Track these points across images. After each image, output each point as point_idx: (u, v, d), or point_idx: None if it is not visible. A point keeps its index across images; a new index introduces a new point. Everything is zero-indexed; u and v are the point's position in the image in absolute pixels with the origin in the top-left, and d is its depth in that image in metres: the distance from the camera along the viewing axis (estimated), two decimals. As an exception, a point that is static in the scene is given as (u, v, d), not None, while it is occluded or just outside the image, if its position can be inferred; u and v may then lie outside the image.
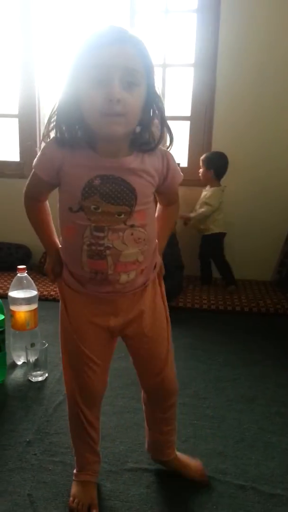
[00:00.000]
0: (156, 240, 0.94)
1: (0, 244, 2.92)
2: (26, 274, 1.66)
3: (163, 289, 0.98)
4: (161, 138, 0.84)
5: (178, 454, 1.09)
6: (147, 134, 0.83)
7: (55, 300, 2.37)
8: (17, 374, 1.57)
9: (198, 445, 1.20)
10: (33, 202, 0.94)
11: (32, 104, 2.93)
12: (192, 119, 2.77)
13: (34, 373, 1.52)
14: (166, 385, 1.00)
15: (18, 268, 1.65)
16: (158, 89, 0.82)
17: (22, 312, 1.63)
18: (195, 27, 2.65)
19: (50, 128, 0.83)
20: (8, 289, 1.69)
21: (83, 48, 0.76)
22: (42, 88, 2.98)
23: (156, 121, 0.83)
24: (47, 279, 0.87)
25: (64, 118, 0.80)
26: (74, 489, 1.01)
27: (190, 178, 2.78)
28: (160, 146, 0.86)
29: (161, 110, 0.83)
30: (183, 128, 2.79)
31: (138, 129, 0.83)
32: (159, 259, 0.97)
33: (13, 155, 3.04)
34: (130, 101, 0.75)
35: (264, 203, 2.70)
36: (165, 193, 0.94)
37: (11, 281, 1.68)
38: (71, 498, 0.99)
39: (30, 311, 1.64)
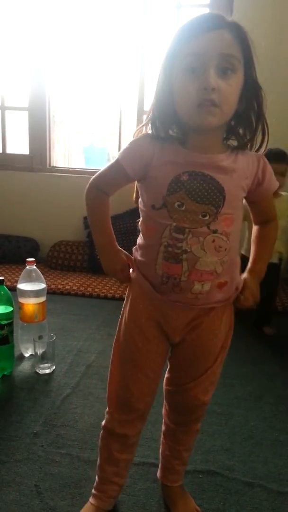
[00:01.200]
0: (238, 258, 0.85)
1: (9, 237, 2.93)
2: (35, 267, 1.66)
3: (232, 309, 0.89)
4: (255, 133, 0.78)
5: (179, 488, 1.00)
6: (241, 128, 0.78)
7: (62, 293, 2.38)
8: (25, 366, 1.58)
9: (205, 442, 1.20)
10: (100, 194, 0.86)
11: (42, 97, 2.92)
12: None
13: (42, 366, 1.52)
14: (190, 406, 0.91)
15: (27, 260, 1.65)
16: (258, 78, 0.75)
17: (30, 304, 1.63)
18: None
19: (145, 123, 0.79)
20: (16, 281, 1.69)
21: (178, 37, 0.72)
22: (52, 82, 2.98)
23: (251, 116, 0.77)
24: (114, 280, 0.82)
25: (160, 113, 0.76)
26: (84, 510, 0.94)
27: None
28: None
29: (259, 102, 0.77)
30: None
31: (232, 122, 0.78)
32: (240, 281, 0.87)
33: (22, 148, 3.04)
34: (226, 90, 0.70)
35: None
36: (259, 203, 0.86)
37: (19, 273, 1.68)
38: None
39: (39, 303, 1.64)
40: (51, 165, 3.06)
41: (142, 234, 0.84)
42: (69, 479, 1.05)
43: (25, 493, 0.99)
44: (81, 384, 1.45)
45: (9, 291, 1.50)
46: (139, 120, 2.84)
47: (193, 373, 0.88)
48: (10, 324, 1.48)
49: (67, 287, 2.45)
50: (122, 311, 0.89)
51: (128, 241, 2.76)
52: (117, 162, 0.82)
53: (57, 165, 3.12)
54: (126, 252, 0.90)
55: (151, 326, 0.84)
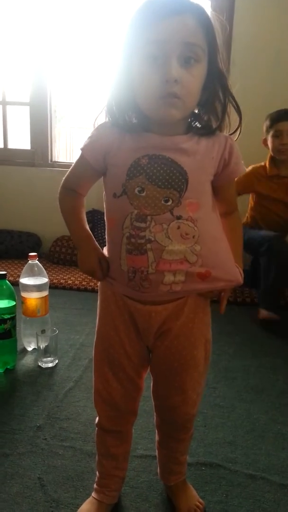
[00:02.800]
0: (226, 246, 0.81)
1: (11, 232, 2.93)
2: (37, 261, 1.66)
3: (209, 314, 0.85)
4: (222, 121, 0.75)
5: (181, 482, 0.99)
6: (206, 116, 0.74)
7: (65, 288, 2.38)
8: (28, 360, 1.58)
9: (208, 434, 1.20)
10: (71, 194, 0.85)
11: (43, 92, 2.91)
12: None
13: (45, 359, 1.52)
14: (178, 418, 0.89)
15: (29, 255, 1.65)
16: (223, 64, 0.71)
17: (33, 299, 1.63)
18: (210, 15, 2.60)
19: (101, 111, 0.76)
20: (19, 276, 1.69)
21: (137, 22, 0.68)
22: (53, 77, 2.96)
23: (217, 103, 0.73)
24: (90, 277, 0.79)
25: (116, 101, 0.73)
26: (85, 505, 0.93)
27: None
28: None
29: (225, 90, 0.73)
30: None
31: (196, 110, 0.75)
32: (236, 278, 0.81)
33: (24, 143, 3.04)
34: (189, 81, 0.67)
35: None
36: (224, 188, 0.80)
37: (22, 268, 1.68)
38: None
39: (41, 298, 1.64)
40: (53, 160, 3.05)
41: (106, 229, 0.81)
42: (72, 471, 1.05)
43: (28, 485, 1.00)
44: (83, 378, 1.46)
45: (11, 286, 1.50)
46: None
47: (175, 385, 0.84)
48: (13, 318, 1.48)
49: (69, 281, 2.45)
50: (97, 313, 0.88)
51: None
52: (81, 156, 0.80)
53: (58, 160, 3.11)
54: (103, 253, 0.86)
55: (125, 326, 0.82)
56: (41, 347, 1.52)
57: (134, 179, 0.73)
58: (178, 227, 0.73)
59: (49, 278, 1.74)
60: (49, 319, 1.71)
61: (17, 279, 1.71)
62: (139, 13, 0.68)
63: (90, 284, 2.43)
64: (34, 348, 1.63)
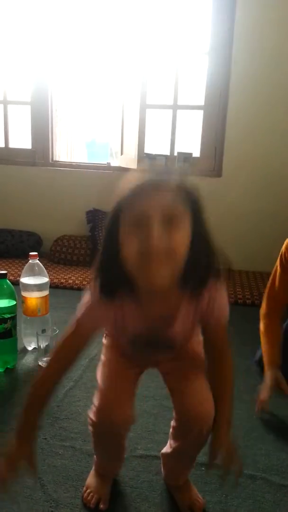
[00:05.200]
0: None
1: (12, 231, 2.93)
2: (37, 261, 1.66)
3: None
4: (205, 280, 0.78)
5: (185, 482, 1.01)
6: (194, 271, 0.76)
7: (65, 287, 2.38)
8: (28, 360, 1.58)
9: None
10: (54, 382, 0.89)
11: (44, 91, 2.92)
12: (206, 108, 2.74)
13: (45, 359, 1.52)
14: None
15: (30, 254, 1.65)
16: (207, 223, 0.75)
17: (33, 298, 1.63)
18: (211, 12, 2.60)
19: (95, 281, 0.80)
20: (19, 275, 1.69)
21: (122, 200, 0.73)
22: (54, 76, 2.96)
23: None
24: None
25: (107, 270, 0.77)
26: (89, 479, 1.00)
27: (202, 169, 2.76)
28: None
29: (209, 258, 0.76)
30: (196, 117, 2.76)
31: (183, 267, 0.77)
32: None
33: (25, 142, 3.04)
34: (172, 240, 0.70)
35: (274, 194, 2.67)
36: (211, 333, 0.88)
37: (22, 268, 1.68)
38: (84, 488, 0.99)
39: (41, 297, 1.64)
40: (54, 159, 3.05)
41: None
42: (72, 471, 1.05)
43: (28, 485, 1.00)
44: (84, 377, 1.46)
45: (12, 285, 1.50)
46: (142, 114, 2.83)
47: (196, 385, 0.89)
48: (13, 318, 1.49)
49: (70, 281, 2.45)
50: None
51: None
52: (74, 328, 0.83)
53: (59, 160, 3.12)
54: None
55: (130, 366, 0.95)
56: (42, 346, 1.52)
57: (134, 346, 0.89)
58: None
59: (50, 278, 1.74)
60: (50, 319, 1.71)
61: (17, 279, 1.71)
62: (125, 193, 0.72)
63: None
64: (35, 348, 1.63)
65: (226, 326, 0.87)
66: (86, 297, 0.82)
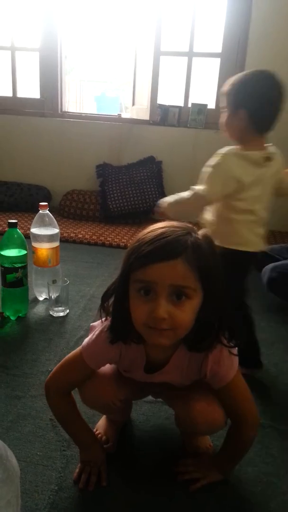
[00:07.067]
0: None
1: (21, 185, 2.89)
2: (48, 212, 1.63)
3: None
4: (212, 344, 0.76)
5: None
6: (199, 335, 0.75)
7: (75, 242, 2.37)
8: (39, 309, 1.59)
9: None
10: (64, 397, 0.88)
11: (54, 37, 2.78)
12: (223, 55, 2.60)
13: (56, 309, 1.53)
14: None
15: (40, 204, 1.62)
16: (219, 284, 0.72)
17: (44, 249, 1.62)
18: None
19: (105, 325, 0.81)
20: (29, 229, 1.67)
21: (131, 258, 0.70)
22: (64, 22, 2.82)
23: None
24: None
25: (117, 319, 0.77)
26: (100, 422, 1.03)
27: (218, 122, 2.65)
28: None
29: (221, 319, 0.74)
30: (213, 65, 2.63)
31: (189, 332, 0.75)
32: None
33: (33, 91, 2.93)
34: (179, 317, 0.68)
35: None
36: (220, 392, 0.83)
37: (32, 221, 1.65)
38: (94, 429, 1.00)
39: (52, 248, 1.63)
40: (63, 110, 2.96)
41: None
42: (84, 414, 1.06)
43: (41, 426, 1.03)
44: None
45: (22, 235, 1.49)
46: (155, 62, 2.70)
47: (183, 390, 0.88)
48: (24, 267, 1.48)
49: (80, 235, 2.44)
50: None
51: (141, 191, 2.71)
52: (80, 361, 0.84)
53: (68, 111, 3.02)
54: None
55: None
56: (52, 296, 1.52)
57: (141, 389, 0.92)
58: None
59: (60, 232, 1.72)
60: (60, 270, 1.70)
61: (27, 232, 1.69)
62: (134, 249, 0.70)
63: (101, 238, 2.42)
64: (46, 298, 1.64)
65: (238, 390, 0.83)
66: (95, 333, 0.83)
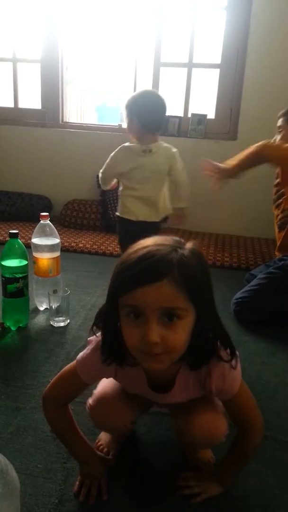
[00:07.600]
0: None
1: (22, 194, 2.90)
2: (49, 222, 1.64)
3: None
4: (206, 362, 0.76)
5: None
6: (195, 352, 0.73)
7: (76, 251, 2.38)
8: (40, 319, 1.59)
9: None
10: (57, 408, 0.87)
11: (55, 49, 2.81)
12: (222, 66, 2.63)
13: (56, 319, 1.53)
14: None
15: (41, 215, 1.63)
16: (211, 302, 0.72)
17: (45, 259, 1.62)
18: None
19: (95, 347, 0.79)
20: (30, 238, 1.68)
21: (118, 280, 0.67)
22: (65, 34, 2.85)
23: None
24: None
25: (109, 342, 0.75)
26: (102, 434, 1.02)
27: (217, 131, 2.68)
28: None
29: (215, 335, 0.74)
30: (213, 76, 2.66)
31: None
32: None
33: (34, 102, 2.96)
34: (171, 339, 0.66)
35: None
36: (225, 401, 0.84)
37: (33, 231, 1.66)
38: (96, 441, 1.00)
39: (53, 258, 1.63)
40: (64, 120, 2.98)
41: None
42: (83, 425, 1.05)
43: (41, 437, 1.02)
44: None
45: (23, 245, 1.49)
46: (155, 73, 2.72)
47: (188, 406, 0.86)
48: (25, 278, 1.48)
49: (80, 245, 2.44)
50: None
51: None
52: (75, 374, 0.83)
53: (69, 121, 3.04)
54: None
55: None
56: (53, 307, 1.52)
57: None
58: None
59: (60, 241, 1.72)
60: (61, 280, 1.71)
61: (28, 242, 1.70)
62: (119, 272, 0.67)
63: (101, 247, 2.42)
64: (46, 308, 1.64)
65: (243, 400, 0.83)
66: (90, 349, 0.81)
